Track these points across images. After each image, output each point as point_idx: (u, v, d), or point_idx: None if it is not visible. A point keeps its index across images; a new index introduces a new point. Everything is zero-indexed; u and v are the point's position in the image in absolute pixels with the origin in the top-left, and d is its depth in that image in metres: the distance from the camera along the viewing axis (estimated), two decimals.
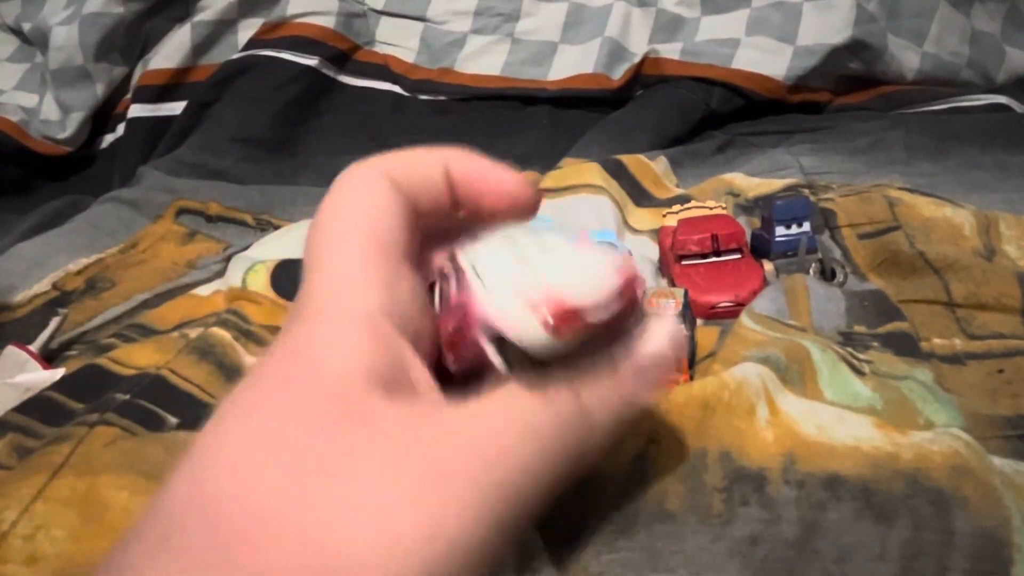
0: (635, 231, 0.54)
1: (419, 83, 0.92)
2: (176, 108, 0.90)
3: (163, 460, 0.30)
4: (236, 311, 0.42)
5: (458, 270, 0.20)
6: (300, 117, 0.87)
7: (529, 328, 0.18)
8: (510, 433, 0.17)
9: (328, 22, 0.91)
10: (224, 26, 0.93)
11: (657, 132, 0.76)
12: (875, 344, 0.34)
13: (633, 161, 0.60)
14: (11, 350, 0.43)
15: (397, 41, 0.95)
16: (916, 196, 0.48)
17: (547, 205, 0.55)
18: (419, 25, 0.95)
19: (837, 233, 0.47)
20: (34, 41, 0.95)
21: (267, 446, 0.16)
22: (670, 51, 0.86)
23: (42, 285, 0.57)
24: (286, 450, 0.16)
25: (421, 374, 0.19)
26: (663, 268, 0.49)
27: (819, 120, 0.80)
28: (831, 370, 0.30)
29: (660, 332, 0.20)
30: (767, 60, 0.83)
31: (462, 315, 0.19)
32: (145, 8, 0.91)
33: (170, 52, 0.92)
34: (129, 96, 0.92)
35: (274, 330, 0.41)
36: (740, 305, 0.40)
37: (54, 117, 0.88)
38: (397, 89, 0.92)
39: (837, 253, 0.46)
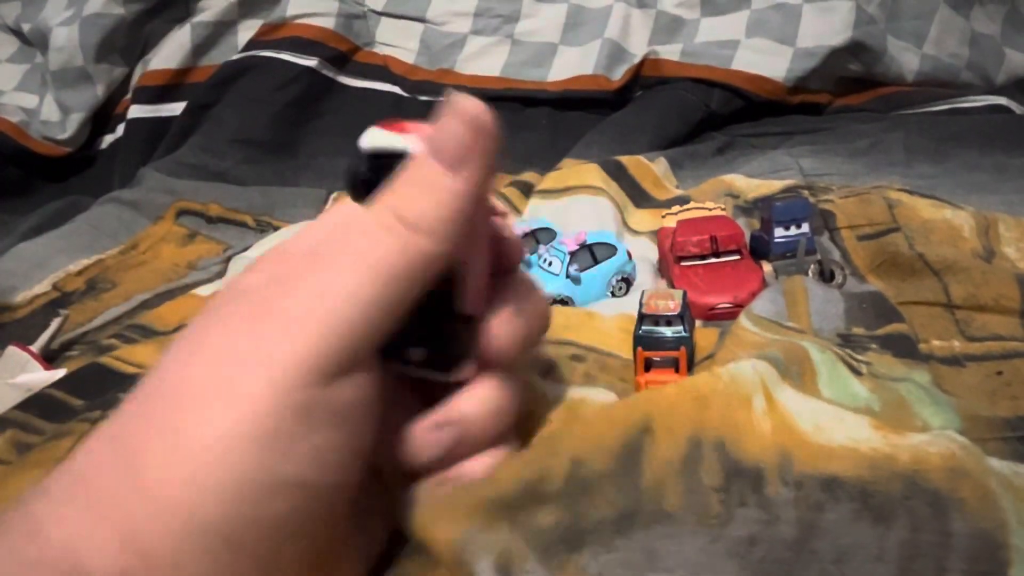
0: (635, 232, 0.54)
1: (419, 84, 0.92)
2: (176, 109, 0.90)
3: None
4: None
5: None
6: (300, 118, 0.87)
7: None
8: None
9: (328, 23, 0.91)
10: (224, 27, 0.93)
11: (657, 133, 0.76)
12: (874, 346, 0.34)
13: (633, 162, 0.61)
14: (12, 350, 0.43)
15: (397, 42, 0.95)
16: (916, 198, 0.48)
17: (547, 206, 0.55)
18: (419, 26, 0.95)
19: (836, 235, 0.47)
20: (34, 42, 0.96)
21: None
22: (670, 52, 0.86)
23: (42, 286, 0.57)
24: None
25: None
26: (662, 269, 0.49)
27: (819, 121, 0.80)
28: (830, 371, 0.30)
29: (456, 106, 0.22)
30: (767, 61, 0.83)
31: None
32: (145, 9, 0.91)
33: (170, 53, 0.92)
34: (129, 97, 0.92)
35: None
36: (739, 306, 0.40)
37: (54, 118, 0.88)
38: (397, 90, 0.93)
39: (836, 255, 0.46)
